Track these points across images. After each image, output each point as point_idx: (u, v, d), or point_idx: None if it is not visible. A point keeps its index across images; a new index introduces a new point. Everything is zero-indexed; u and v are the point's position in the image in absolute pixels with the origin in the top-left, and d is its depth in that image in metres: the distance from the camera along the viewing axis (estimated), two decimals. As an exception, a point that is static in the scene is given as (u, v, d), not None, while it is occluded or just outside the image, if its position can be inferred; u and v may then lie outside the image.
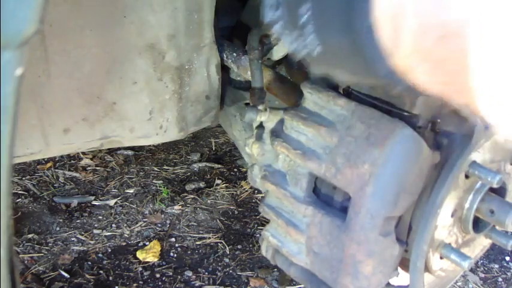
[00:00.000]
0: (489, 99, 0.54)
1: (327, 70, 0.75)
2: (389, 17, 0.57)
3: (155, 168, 2.39)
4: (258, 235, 2.02)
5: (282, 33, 0.74)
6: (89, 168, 2.36)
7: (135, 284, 1.77)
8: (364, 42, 0.63)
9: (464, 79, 0.54)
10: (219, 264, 1.89)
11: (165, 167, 2.41)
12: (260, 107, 1.07)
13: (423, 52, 0.56)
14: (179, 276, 1.82)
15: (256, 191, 2.27)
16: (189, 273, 1.84)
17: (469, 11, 0.49)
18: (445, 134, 0.94)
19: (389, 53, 0.60)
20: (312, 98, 1.01)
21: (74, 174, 2.32)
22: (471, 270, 1.92)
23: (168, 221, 2.08)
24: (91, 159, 2.41)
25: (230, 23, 1.51)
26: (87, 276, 1.78)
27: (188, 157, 2.50)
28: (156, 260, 1.88)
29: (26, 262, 1.81)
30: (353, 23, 0.63)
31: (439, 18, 0.52)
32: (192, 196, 2.23)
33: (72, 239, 1.95)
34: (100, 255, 1.89)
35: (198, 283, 1.80)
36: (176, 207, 2.16)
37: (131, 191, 2.24)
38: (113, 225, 2.04)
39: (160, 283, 1.79)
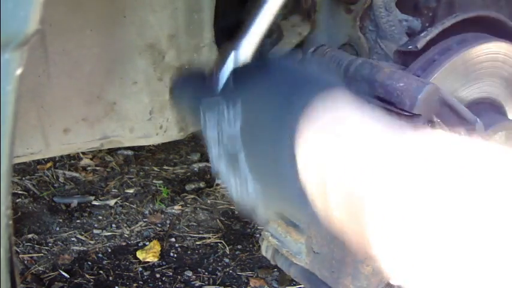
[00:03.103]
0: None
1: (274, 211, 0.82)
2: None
3: (155, 168, 2.39)
4: (258, 235, 2.02)
5: (227, 182, 0.79)
6: (89, 168, 2.37)
7: (135, 284, 1.77)
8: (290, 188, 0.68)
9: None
10: (219, 264, 1.89)
11: (165, 167, 2.41)
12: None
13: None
14: (179, 276, 1.82)
15: (256, 191, 2.27)
16: (189, 273, 1.84)
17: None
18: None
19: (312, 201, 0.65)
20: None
21: (74, 174, 2.32)
22: (471, 270, 1.92)
23: (168, 221, 2.08)
24: (91, 159, 2.41)
25: (230, 23, 1.51)
26: (87, 276, 1.78)
27: (188, 157, 2.50)
28: (156, 260, 1.88)
29: (26, 262, 1.81)
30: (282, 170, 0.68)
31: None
32: (192, 196, 2.23)
33: (72, 239, 1.95)
34: (100, 255, 1.89)
35: (198, 283, 1.80)
36: (176, 207, 2.16)
37: (131, 191, 2.24)
38: (113, 225, 2.04)
39: (160, 283, 1.79)
